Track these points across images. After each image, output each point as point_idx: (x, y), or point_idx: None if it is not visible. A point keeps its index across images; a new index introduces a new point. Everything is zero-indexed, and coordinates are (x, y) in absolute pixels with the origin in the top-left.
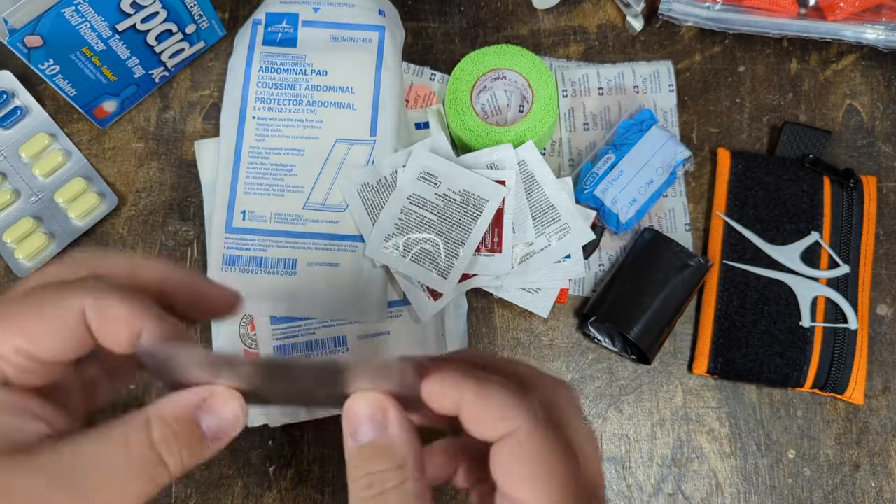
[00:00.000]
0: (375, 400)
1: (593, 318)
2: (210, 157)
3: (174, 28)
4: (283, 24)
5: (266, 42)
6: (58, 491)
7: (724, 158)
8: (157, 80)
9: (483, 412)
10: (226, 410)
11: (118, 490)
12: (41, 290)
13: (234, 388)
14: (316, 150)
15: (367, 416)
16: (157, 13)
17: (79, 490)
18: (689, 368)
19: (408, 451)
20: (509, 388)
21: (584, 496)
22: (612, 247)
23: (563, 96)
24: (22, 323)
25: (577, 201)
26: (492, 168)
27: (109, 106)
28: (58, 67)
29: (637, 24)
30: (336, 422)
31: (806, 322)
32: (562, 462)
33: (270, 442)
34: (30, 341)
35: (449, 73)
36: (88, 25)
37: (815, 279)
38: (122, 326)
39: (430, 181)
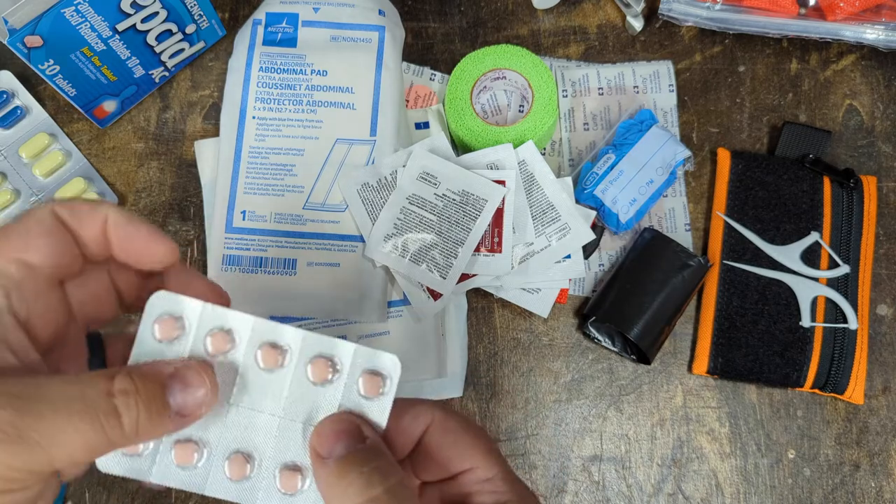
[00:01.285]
0: (344, 417)
1: (593, 318)
2: (210, 157)
3: (174, 28)
4: (283, 24)
5: (266, 42)
6: (5, 413)
7: (724, 158)
8: (157, 80)
9: (402, 413)
10: (195, 386)
11: (65, 426)
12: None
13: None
14: (316, 150)
15: (342, 432)
16: (157, 13)
17: (26, 416)
18: (689, 368)
19: (389, 452)
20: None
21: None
22: (612, 247)
23: (563, 96)
24: (9, 235)
25: (577, 201)
26: (492, 168)
27: (109, 106)
28: (58, 67)
29: (637, 24)
30: None
31: (806, 322)
32: (482, 432)
33: None
34: (21, 249)
35: (449, 73)
36: (88, 25)
37: (815, 279)
38: (91, 217)
39: (429, 181)
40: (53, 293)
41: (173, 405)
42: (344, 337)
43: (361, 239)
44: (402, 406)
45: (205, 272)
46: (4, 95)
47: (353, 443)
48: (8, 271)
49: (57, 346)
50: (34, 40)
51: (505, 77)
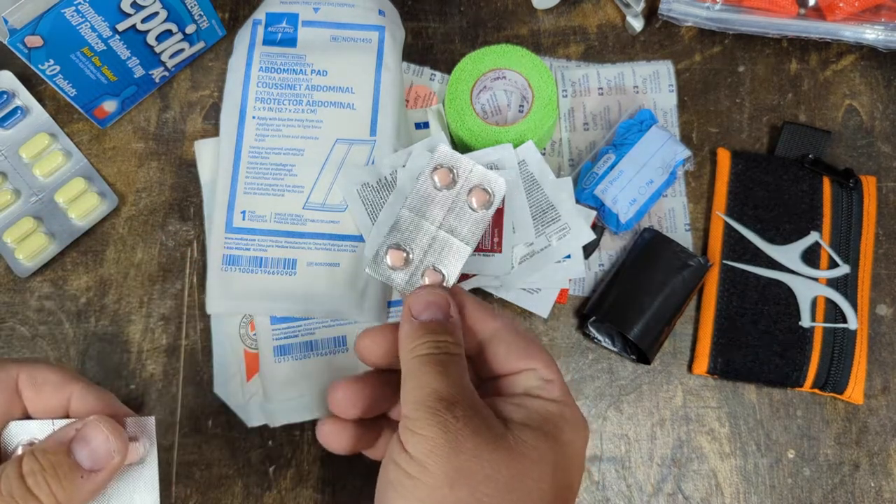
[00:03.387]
0: (439, 293)
1: (593, 318)
2: (210, 157)
3: (174, 28)
4: (283, 24)
5: (266, 42)
6: None
7: (723, 158)
8: (157, 80)
9: (476, 312)
10: (97, 440)
11: None
12: None
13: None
14: (316, 150)
15: (432, 303)
16: (157, 13)
17: None
18: (689, 368)
19: (461, 337)
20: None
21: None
22: (612, 247)
23: (563, 96)
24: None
25: (577, 201)
26: (492, 168)
27: (109, 106)
28: (58, 67)
29: (637, 24)
30: None
31: (806, 322)
32: (544, 349)
33: (270, 442)
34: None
35: (449, 73)
36: (89, 25)
37: (815, 279)
38: (51, 391)
39: None
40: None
41: (84, 464)
42: (344, 337)
43: (361, 239)
44: (479, 310)
45: (205, 272)
46: (5, 95)
47: (438, 315)
48: None
49: None
50: (34, 40)
51: (505, 77)
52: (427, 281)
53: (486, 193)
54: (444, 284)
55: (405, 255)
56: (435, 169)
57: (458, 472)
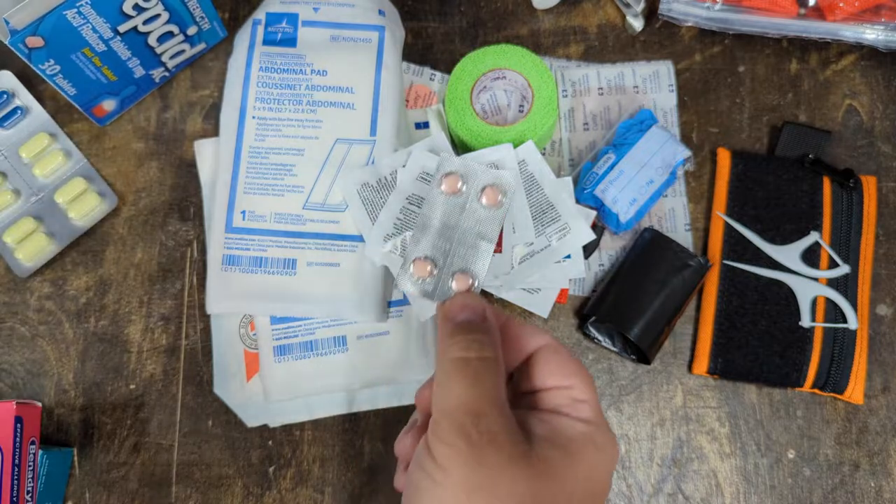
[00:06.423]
0: (476, 298)
1: (593, 318)
2: (210, 157)
3: (175, 30)
4: (283, 24)
5: (266, 42)
6: None
7: (724, 158)
8: (157, 80)
9: (519, 330)
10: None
11: None
12: None
13: None
14: (316, 150)
15: (468, 305)
16: (158, 15)
17: None
18: (689, 368)
19: (498, 340)
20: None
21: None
22: (612, 247)
23: (563, 96)
24: None
25: (577, 201)
26: (492, 168)
27: (108, 105)
28: (58, 67)
29: (637, 24)
30: (335, 423)
31: (806, 322)
32: (585, 368)
33: (270, 442)
34: None
35: (449, 73)
36: (90, 27)
37: (815, 279)
38: None
39: (429, 181)
40: None
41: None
42: (343, 337)
43: (361, 239)
44: (525, 327)
45: (205, 272)
46: (4, 95)
47: (475, 318)
48: None
49: None
50: (36, 41)
51: (505, 77)
52: (455, 285)
53: (497, 191)
54: (475, 285)
55: (430, 264)
56: (444, 177)
57: (478, 485)
